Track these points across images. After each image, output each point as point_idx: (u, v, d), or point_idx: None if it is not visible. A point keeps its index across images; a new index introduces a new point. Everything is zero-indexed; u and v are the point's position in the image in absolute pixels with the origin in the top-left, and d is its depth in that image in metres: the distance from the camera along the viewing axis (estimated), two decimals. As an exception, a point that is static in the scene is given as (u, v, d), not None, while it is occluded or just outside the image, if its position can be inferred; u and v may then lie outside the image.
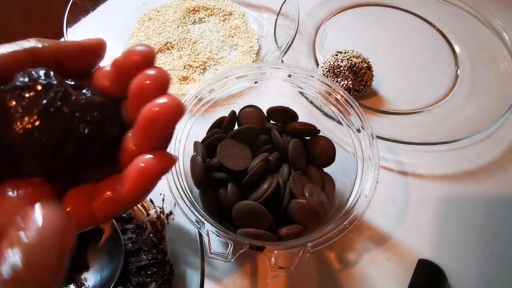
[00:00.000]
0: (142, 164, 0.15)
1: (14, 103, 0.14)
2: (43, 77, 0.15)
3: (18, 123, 0.14)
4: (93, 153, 0.16)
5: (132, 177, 0.15)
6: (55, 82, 0.15)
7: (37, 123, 0.14)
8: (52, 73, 0.15)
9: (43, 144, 0.15)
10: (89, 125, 0.15)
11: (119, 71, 0.16)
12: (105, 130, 0.16)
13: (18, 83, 0.15)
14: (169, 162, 0.15)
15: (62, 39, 0.47)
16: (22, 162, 0.15)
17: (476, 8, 0.60)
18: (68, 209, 0.16)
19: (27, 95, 0.14)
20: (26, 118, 0.14)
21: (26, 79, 0.15)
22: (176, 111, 0.15)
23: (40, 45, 0.16)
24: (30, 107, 0.14)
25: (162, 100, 0.15)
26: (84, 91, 0.16)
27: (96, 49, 0.17)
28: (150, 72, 0.15)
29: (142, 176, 0.15)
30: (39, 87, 0.15)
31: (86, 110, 0.15)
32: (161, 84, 0.15)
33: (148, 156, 0.15)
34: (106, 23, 0.55)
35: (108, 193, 0.16)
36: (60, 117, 0.15)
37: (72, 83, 0.16)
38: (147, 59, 0.16)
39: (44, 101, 0.14)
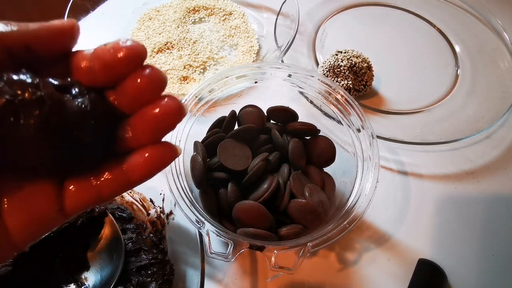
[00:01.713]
0: (146, 155, 0.16)
1: (7, 116, 0.14)
2: (32, 88, 0.14)
3: (17, 138, 0.14)
4: (94, 152, 0.16)
5: (141, 166, 0.16)
6: (44, 93, 0.14)
7: (36, 141, 0.14)
8: (39, 81, 0.14)
9: (43, 159, 0.15)
10: (89, 133, 0.15)
11: (105, 67, 0.16)
12: (103, 130, 0.16)
13: (7, 96, 0.13)
14: (173, 153, 0.17)
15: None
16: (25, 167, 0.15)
17: (476, 8, 0.60)
18: (70, 188, 0.17)
19: (20, 112, 0.14)
20: (25, 136, 0.14)
21: (14, 91, 0.14)
22: (178, 113, 0.16)
23: (8, 30, 0.15)
24: (26, 126, 0.14)
25: (163, 102, 0.16)
26: (73, 92, 0.16)
27: (69, 32, 0.16)
28: (146, 72, 0.15)
29: (149, 166, 0.16)
30: (31, 102, 0.14)
31: (83, 119, 0.15)
32: (159, 85, 0.16)
33: (153, 147, 0.16)
34: (106, 23, 0.55)
35: (110, 176, 0.17)
36: (58, 134, 0.15)
37: (57, 83, 0.15)
38: (137, 56, 0.15)
39: (39, 120, 0.14)
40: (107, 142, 0.17)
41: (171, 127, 0.16)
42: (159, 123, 0.16)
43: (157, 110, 0.16)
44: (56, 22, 0.16)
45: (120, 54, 0.15)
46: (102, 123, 0.16)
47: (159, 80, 0.16)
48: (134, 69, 0.16)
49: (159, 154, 0.16)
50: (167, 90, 0.52)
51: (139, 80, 0.15)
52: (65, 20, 0.16)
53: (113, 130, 0.17)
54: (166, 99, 0.16)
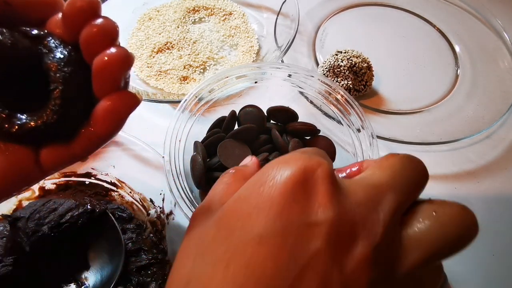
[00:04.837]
0: (108, 103, 0.17)
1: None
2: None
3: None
4: (77, 109, 0.17)
5: (102, 116, 0.17)
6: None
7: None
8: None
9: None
10: (71, 85, 0.17)
11: (67, 20, 0.17)
12: (83, 82, 0.17)
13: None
14: (133, 100, 0.17)
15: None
16: None
17: (476, 8, 0.60)
18: (46, 147, 0.17)
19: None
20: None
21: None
22: (124, 61, 0.16)
23: None
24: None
25: (110, 50, 0.16)
26: (51, 44, 0.17)
27: (52, 4, 0.17)
28: (98, 22, 0.16)
29: (110, 114, 0.17)
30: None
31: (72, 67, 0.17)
32: (110, 34, 0.16)
33: (112, 96, 0.17)
34: (106, 23, 0.55)
35: (82, 131, 0.17)
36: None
37: (33, 32, 0.17)
38: (91, 6, 0.16)
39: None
40: (88, 98, 0.17)
41: (120, 73, 0.17)
42: (107, 71, 0.16)
43: (105, 59, 0.16)
44: None
45: (78, 5, 0.16)
46: (82, 75, 0.17)
47: (110, 28, 0.16)
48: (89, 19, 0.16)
49: (117, 103, 0.17)
50: (167, 90, 0.52)
51: (91, 29, 0.16)
52: None
53: (90, 83, 0.17)
54: (112, 48, 0.16)
